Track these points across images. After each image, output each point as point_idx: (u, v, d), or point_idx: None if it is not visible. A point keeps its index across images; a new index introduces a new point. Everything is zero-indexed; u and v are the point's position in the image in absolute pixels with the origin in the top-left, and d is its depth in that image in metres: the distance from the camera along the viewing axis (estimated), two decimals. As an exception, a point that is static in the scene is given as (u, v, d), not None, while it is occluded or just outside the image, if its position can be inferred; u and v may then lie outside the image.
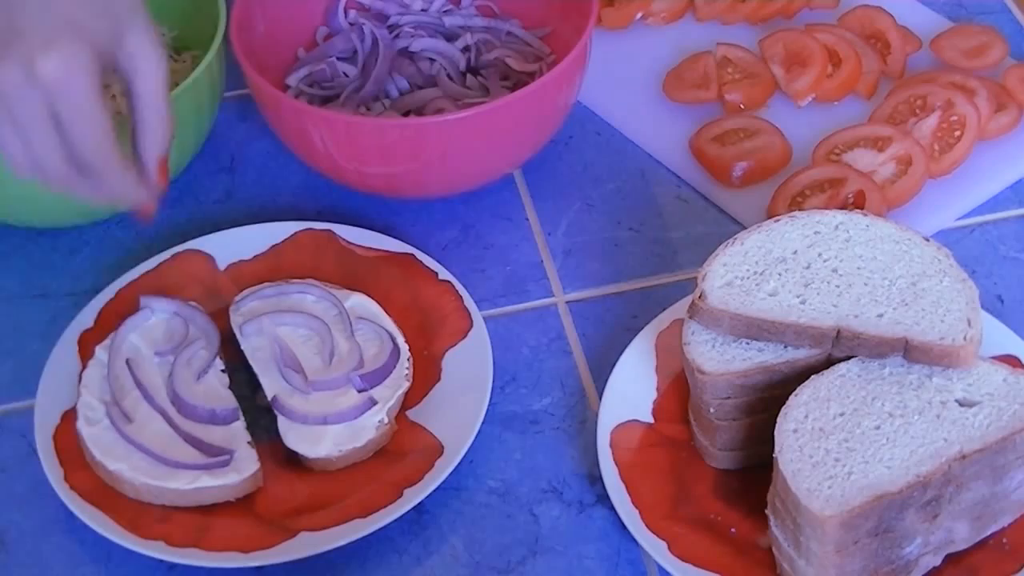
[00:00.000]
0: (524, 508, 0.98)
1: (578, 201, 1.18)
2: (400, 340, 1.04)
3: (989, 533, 0.93)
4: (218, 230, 1.13)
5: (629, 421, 1.00)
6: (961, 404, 0.90)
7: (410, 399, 1.02)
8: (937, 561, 0.92)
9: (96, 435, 0.98)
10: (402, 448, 1.00)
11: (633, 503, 0.95)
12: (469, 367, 1.03)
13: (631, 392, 1.01)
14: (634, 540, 0.95)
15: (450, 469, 0.97)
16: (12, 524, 0.99)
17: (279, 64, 1.21)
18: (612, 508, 0.96)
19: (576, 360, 1.07)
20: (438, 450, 0.98)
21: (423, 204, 1.18)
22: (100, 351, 1.03)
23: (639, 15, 1.31)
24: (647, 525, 0.94)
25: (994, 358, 0.95)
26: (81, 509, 0.95)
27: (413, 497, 0.95)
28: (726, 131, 1.20)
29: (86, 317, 1.06)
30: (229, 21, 1.14)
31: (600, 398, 1.01)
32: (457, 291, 1.07)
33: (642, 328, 1.04)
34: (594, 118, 1.25)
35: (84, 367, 1.02)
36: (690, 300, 0.96)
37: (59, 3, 0.88)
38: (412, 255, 1.10)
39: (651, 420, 1.01)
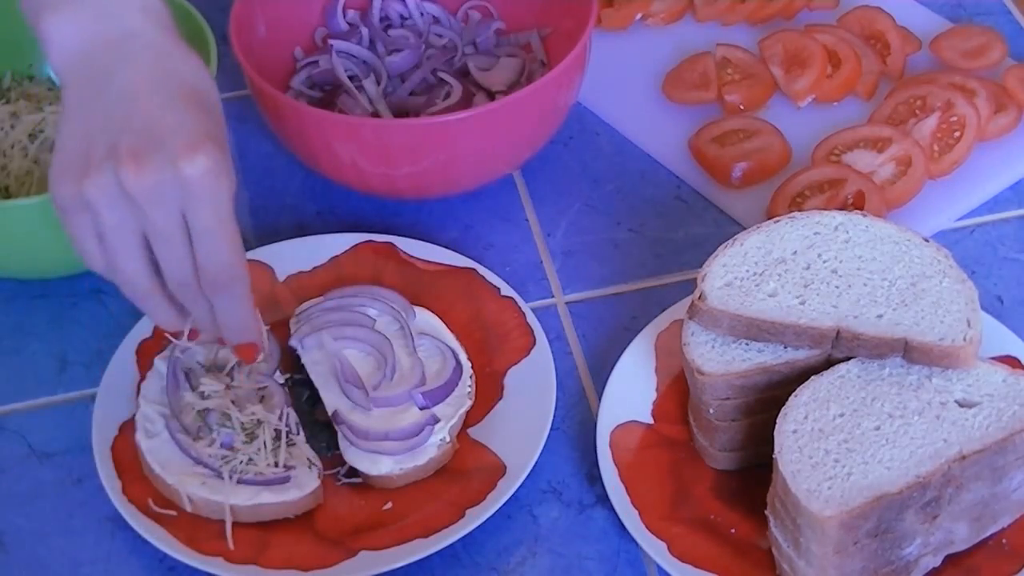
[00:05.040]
0: (524, 508, 0.98)
1: (578, 202, 1.19)
2: (463, 357, 1.03)
3: (989, 534, 0.93)
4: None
5: (629, 422, 1.00)
6: (961, 405, 0.90)
7: (472, 417, 1.01)
8: (937, 562, 0.92)
9: (155, 448, 0.96)
10: (464, 467, 0.98)
11: (633, 504, 0.95)
12: (532, 385, 1.01)
13: (631, 393, 1.01)
14: (634, 541, 0.95)
15: (513, 490, 0.95)
16: (12, 525, 0.99)
17: (279, 64, 1.21)
18: (612, 509, 0.96)
19: (576, 360, 1.07)
20: (500, 470, 0.97)
21: (423, 204, 1.18)
22: (159, 362, 1.01)
23: (639, 16, 1.31)
24: (647, 526, 0.94)
25: (994, 359, 0.95)
26: (139, 522, 0.94)
27: (475, 518, 0.94)
28: (726, 132, 1.20)
29: (144, 327, 1.05)
30: (228, 23, 1.14)
31: (600, 398, 1.01)
32: (519, 307, 1.06)
33: (642, 329, 1.04)
34: (594, 118, 1.25)
35: (143, 378, 1.01)
36: (690, 301, 0.96)
37: (197, 119, 0.85)
38: (474, 270, 1.08)
39: (651, 421, 1.01)
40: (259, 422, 0.97)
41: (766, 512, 0.91)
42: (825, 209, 1.05)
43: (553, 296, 1.12)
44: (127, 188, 0.83)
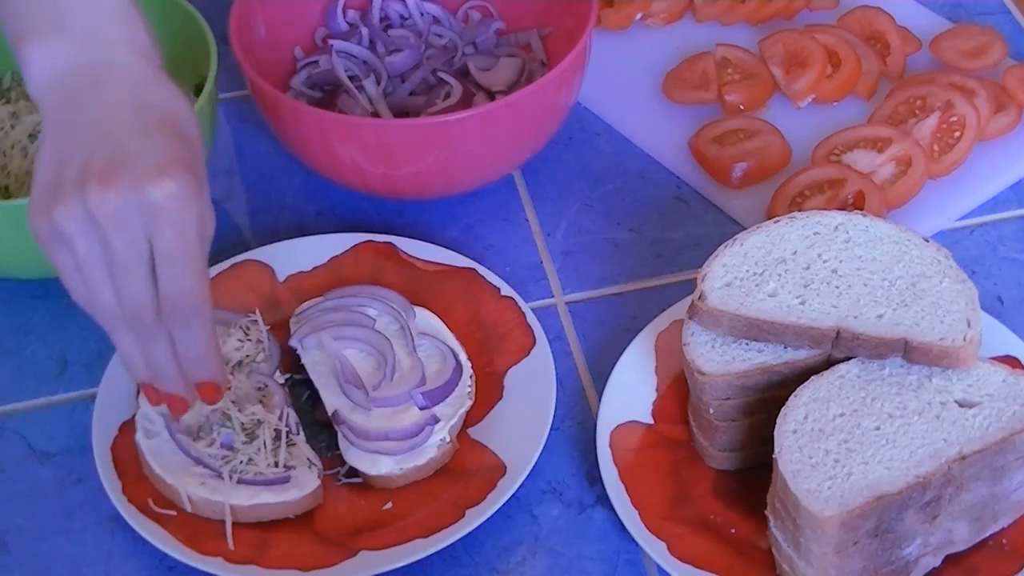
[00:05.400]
0: (524, 508, 0.98)
1: (578, 202, 1.19)
2: (463, 357, 1.02)
3: (989, 534, 0.93)
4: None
5: (629, 422, 1.00)
6: (961, 405, 0.90)
7: (471, 417, 1.01)
8: (937, 562, 0.92)
9: (155, 448, 0.96)
10: (463, 467, 0.98)
11: (633, 504, 0.95)
12: (532, 385, 1.01)
13: (631, 393, 1.01)
14: (634, 541, 0.95)
15: (513, 490, 0.95)
16: (12, 526, 0.99)
17: (279, 64, 1.21)
18: (612, 509, 0.96)
19: (576, 360, 1.07)
20: (500, 470, 0.97)
21: (423, 204, 1.18)
22: None
23: (639, 16, 1.31)
24: (647, 526, 0.94)
25: (994, 359, 0.95)
26: (139, 522, 0.94)
27: (475, 518, 0.94)
28: (726, 132, 1.20)
29: None
30: (228, 23, 1.14)
31: (600, 399, 1.01)
32: (520, 307, 1.06)
33: (642, 329, 1.04)
34: (594, 118, 1.25)
35: None
36: (690, 301, 0.96)
37: (170, 146, 0.84)
38: (474, 270, 1.08)
39: (651, 421, 1.01)
40: (259, 422, 0.97)
41: (766, 512, 0.91)
42: (825, 209, 1.05)
43: (553, 296, 1.12)
44: (92, 211, 0.81)
